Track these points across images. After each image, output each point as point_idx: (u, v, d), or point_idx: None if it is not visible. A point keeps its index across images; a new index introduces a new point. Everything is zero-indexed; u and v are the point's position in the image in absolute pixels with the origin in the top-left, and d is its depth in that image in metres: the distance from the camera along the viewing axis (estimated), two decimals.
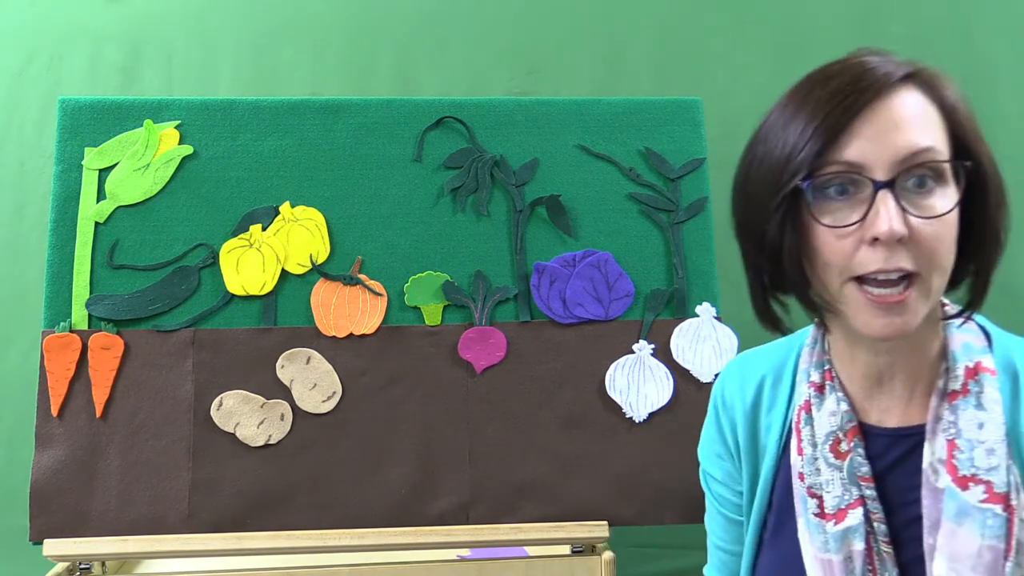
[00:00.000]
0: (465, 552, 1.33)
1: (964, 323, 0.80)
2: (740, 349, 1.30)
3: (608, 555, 1.24)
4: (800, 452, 0.81)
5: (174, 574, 1.32)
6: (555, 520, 1.26)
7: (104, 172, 1.32)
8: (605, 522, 1.26)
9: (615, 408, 1.30)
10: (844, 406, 0.80)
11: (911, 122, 0.71)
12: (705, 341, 1.32)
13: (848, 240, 0.72)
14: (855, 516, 0.76)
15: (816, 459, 0.80)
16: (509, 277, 1.34)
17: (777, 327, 0.84)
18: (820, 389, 0.82)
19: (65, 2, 1.70)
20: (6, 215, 1.66)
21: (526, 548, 1.32)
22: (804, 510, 0.79)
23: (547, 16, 1.76)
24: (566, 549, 1.28)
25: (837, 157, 0.72)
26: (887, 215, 0.69)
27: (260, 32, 1.72)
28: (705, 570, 0.99)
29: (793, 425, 0.83)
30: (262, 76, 1.71)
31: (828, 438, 0.79)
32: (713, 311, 1.33)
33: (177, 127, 1.34)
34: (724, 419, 0.93)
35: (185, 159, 1.34)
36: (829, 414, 0.80)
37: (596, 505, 1.27)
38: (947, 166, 0.72)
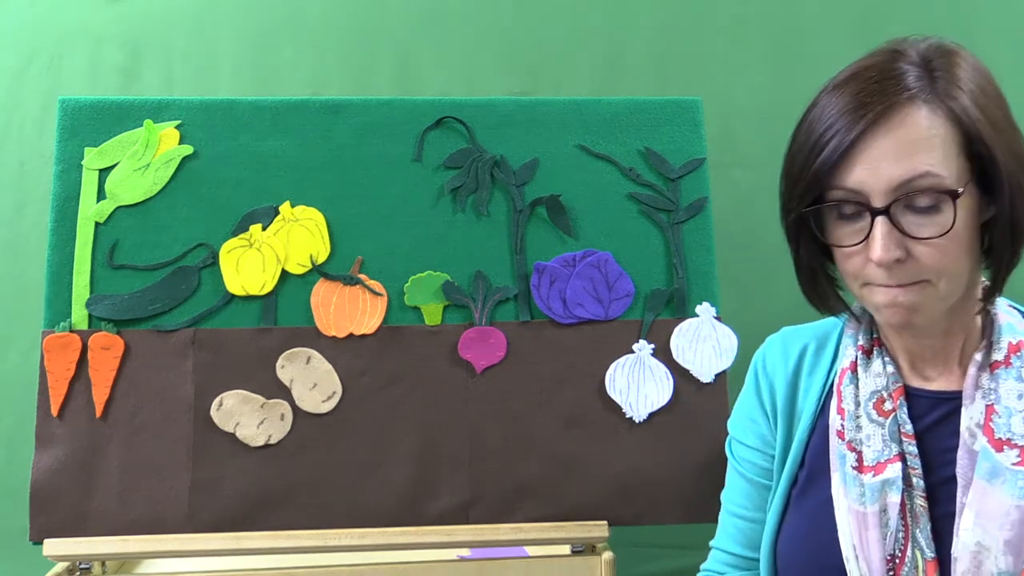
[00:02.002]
0: (465, 552, 1.33)
1: (991, 305, 0.83)
2: (740, 349, 1.30)
3: (608, 555, 1.24)
4: (840, 411, 0.84)
5: (174, 574, 1.32)
6: (555, 520, 1.27)
7: (104, 172, 1.32)
8: (605, 522, 1.26)
9: (615, 408, 1.30)
10: (891, 368, 0.84)
11: (910, 146, 0.73)
12: (705, 341, 1.32)
13: (858, 257, 0.77)
14: (893, 469, 0.79)
15: (858, 416, 0.83)
16: (509, 277, 1.34)
17: (827, 306, 0.89)
18: (868, 353, 0.86)
19: (65, 2, 1.69)
20: (6, 215, 1.66)
21: (526, 548, 1.32)
22: (841, 465, 0.82)
23: (547, 16, 1.75)
24: (566, 549, 1.28)
25: (840, 183, 0.76)
26: (880, 243, 0.73)
27: (260, 32, 1.71)
28: (712, 543, 1.00)
29: (834, 387, 0.87)
30: (262, 76, 1.70)
31: (872, 396, 0.83)
32: (713, 311, 1.33)
33: (177, 127, 1.34)
34: (763, 384, 0.96)
35: (185, 159, 1.34)
36: (875, 375, 0.84)
37: (596, 505, 1.27)
38: (946, 185, 0.73)
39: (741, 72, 1.75)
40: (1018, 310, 0.86)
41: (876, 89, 0.75)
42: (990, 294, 0.81)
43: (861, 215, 0.76)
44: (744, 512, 0.96)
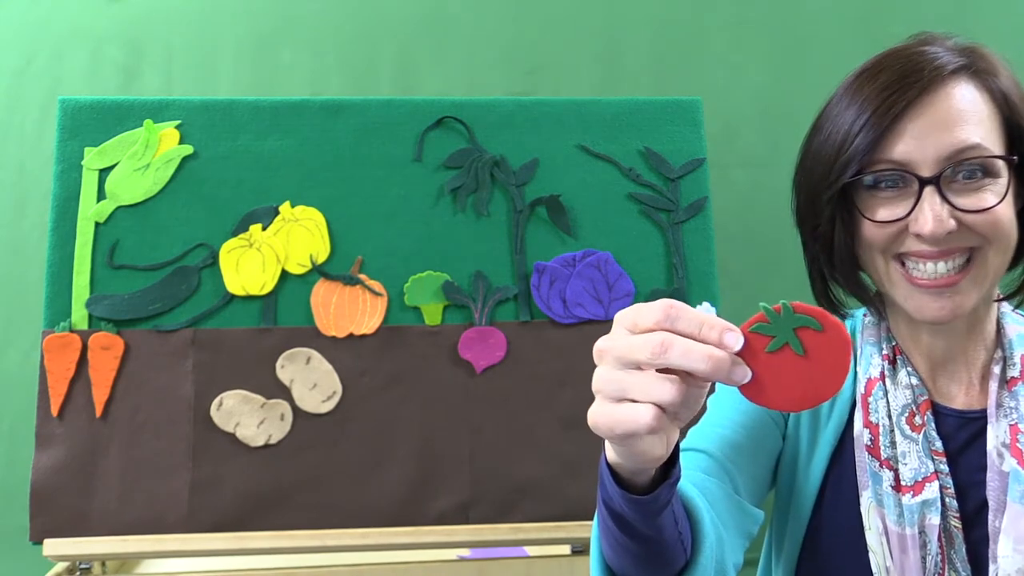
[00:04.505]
0: (465, 552, 1.33)
1: (1016, 309, 0.81)
2: None
3: None
4: (868, 425, 0.80)
5: (174, 574, 1.32)
6: (555, 520, 1.26)
7: (104, 172, 1.33)
8: None
9: None
10: (915, 380, 0.81)
11: (958, 118, 0.72)
12: None
13: (893, 228, 0.73)
14: (932, 490, 0.75)
15: (892, 431, 0.79)
16: (509, 277, 1.34)
17: (836, 312, 0.85)
18: (892, 363, 0.82)
19: (65, 2, 1.69)
20: (6, 215, 1.66)
21: (526, 548, 1.32)
22: (874, 483, 0.78)
23: (547, 16, 1.76)
24: (566, 549, 1.28)
25: (884, 156, 0.73)
26: (931, 213, 0.70)
27: (260, 32, 1.71)
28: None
29: (859, 397, 0.82)
30: (262, 76, 1.71)
31: (904, 410, 0.79)
32: (713, 311, 1.32)
33: (177, 127, 1.34)
34: None
35: (185, 159, 1.34)
36: (903, 387, 0.80)
37: (596, 505, 1.27)
38: (998, 159, 0.72)
39: (741, 72, 1.75)
40: (1021, 315, 0.84)
41: (918, 64, 0.73)
42: (1022, 288, 0.79)
43: (905, 188, 0.73)
44: (706, 447, 0.81)
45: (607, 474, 0.58)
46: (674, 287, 1.34)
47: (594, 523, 0.65)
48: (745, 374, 0.51)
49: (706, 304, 0.54)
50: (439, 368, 1.30)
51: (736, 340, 0.50)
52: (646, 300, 1.33)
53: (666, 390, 0.49)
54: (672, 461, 0.57)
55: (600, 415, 0.52)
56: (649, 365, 0.50)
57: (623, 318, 0.53)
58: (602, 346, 0.53)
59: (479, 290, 1.33)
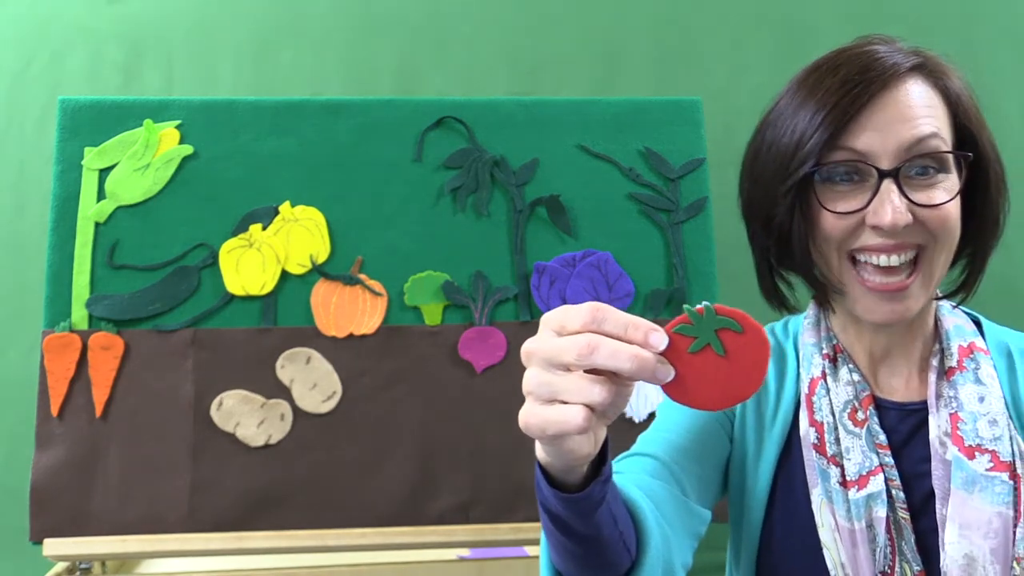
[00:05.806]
0: (465, 552, 1.33)
1: (955, 308, 0.82)
2: None
3: None
4: (813, 423, 0.81)
5: (174, 574, 1.32)
6: None
7: (104, 172, 1.33)
8: None
9: None
10: (856, 376, 0.82)
11: (916, 113, 0.73)
12: None
13: (851, 221, 0.75)
14: (876, 483, 0.76)
15: (836, 428, 0.80)
16: (509, 277, 1.34)
17: (783, 305, 0.87)
18: (833, 361, 0.84)
19: (65, 2, 1.70)
20: (6, 215, 1.66)
21: (526, 548, 1.32)
22: (823, 480, 0.79)
23: (547, 16, 1.76)
24: None
25: (844, 146, 0.74)
26: (890, 205, 0.72)
27: (260, 32, 1.72)
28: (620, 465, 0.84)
29: (803, 397, 0.84)
30: (262, 76, 1.71)
31: (846, 407, 0.81)
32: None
33: (177, 127, 1.34)
34: None
35: (185, 159, 1.34)
36: (845, 384, 0.82)
37: None
38: (950, 156, 0.74)
39: (741, 72, 1.75)
40: (966, 313, 0.85)
41: (877, 60, 0.75)
42: (964, 287, 0.80)
43: (861, 181, 0.74)
44: (657, 452, 0.81)
45: (540, 475, 0.59)
46: (674, 287, 1.34)
47: (542, 526, 0.67)
48: (668, 373, 0.53)
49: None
50: (439, 368, 1.30)
51: (660, 340, 0.52)
52: (646, 300, 1.34)
53: (596, 392, 0.50)
54: (602, 459, 0.58)
55: (532, 416, 0.52)
56: (577, 366, 0.51)
57: (550, 320, 0.53)
58: (529, 348, 0.53)
59: (479, 290, 1.33)
